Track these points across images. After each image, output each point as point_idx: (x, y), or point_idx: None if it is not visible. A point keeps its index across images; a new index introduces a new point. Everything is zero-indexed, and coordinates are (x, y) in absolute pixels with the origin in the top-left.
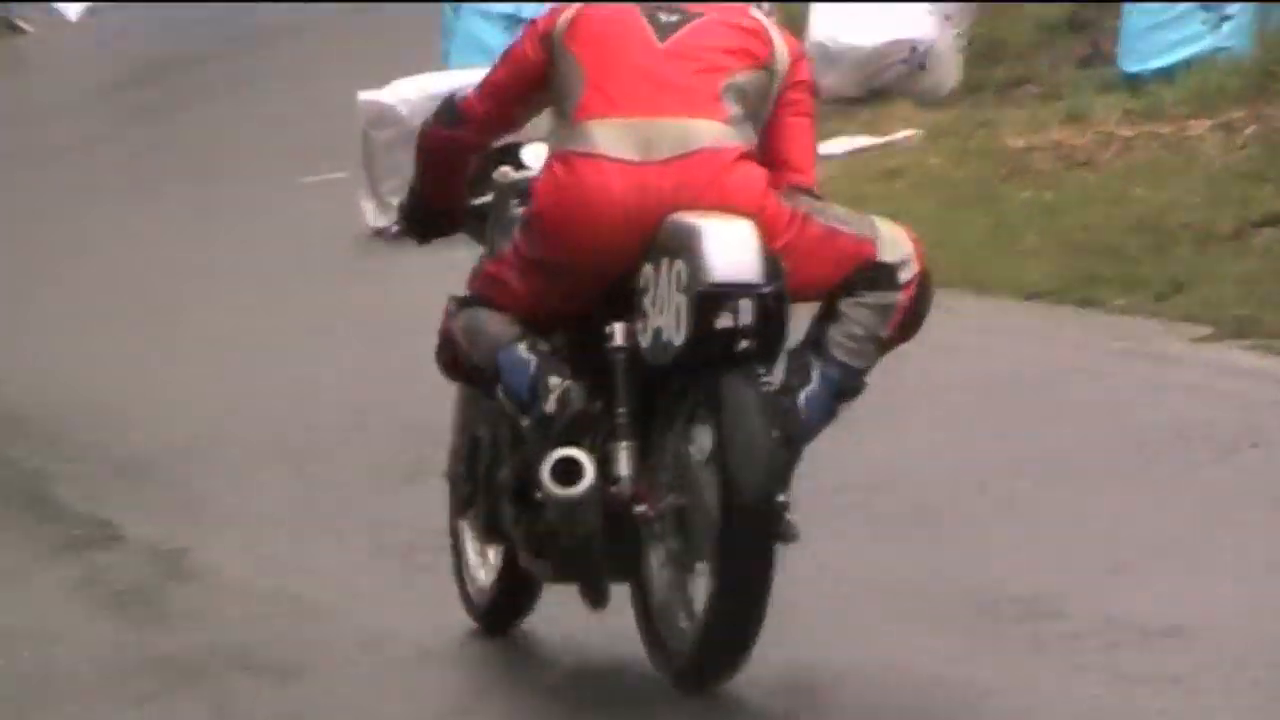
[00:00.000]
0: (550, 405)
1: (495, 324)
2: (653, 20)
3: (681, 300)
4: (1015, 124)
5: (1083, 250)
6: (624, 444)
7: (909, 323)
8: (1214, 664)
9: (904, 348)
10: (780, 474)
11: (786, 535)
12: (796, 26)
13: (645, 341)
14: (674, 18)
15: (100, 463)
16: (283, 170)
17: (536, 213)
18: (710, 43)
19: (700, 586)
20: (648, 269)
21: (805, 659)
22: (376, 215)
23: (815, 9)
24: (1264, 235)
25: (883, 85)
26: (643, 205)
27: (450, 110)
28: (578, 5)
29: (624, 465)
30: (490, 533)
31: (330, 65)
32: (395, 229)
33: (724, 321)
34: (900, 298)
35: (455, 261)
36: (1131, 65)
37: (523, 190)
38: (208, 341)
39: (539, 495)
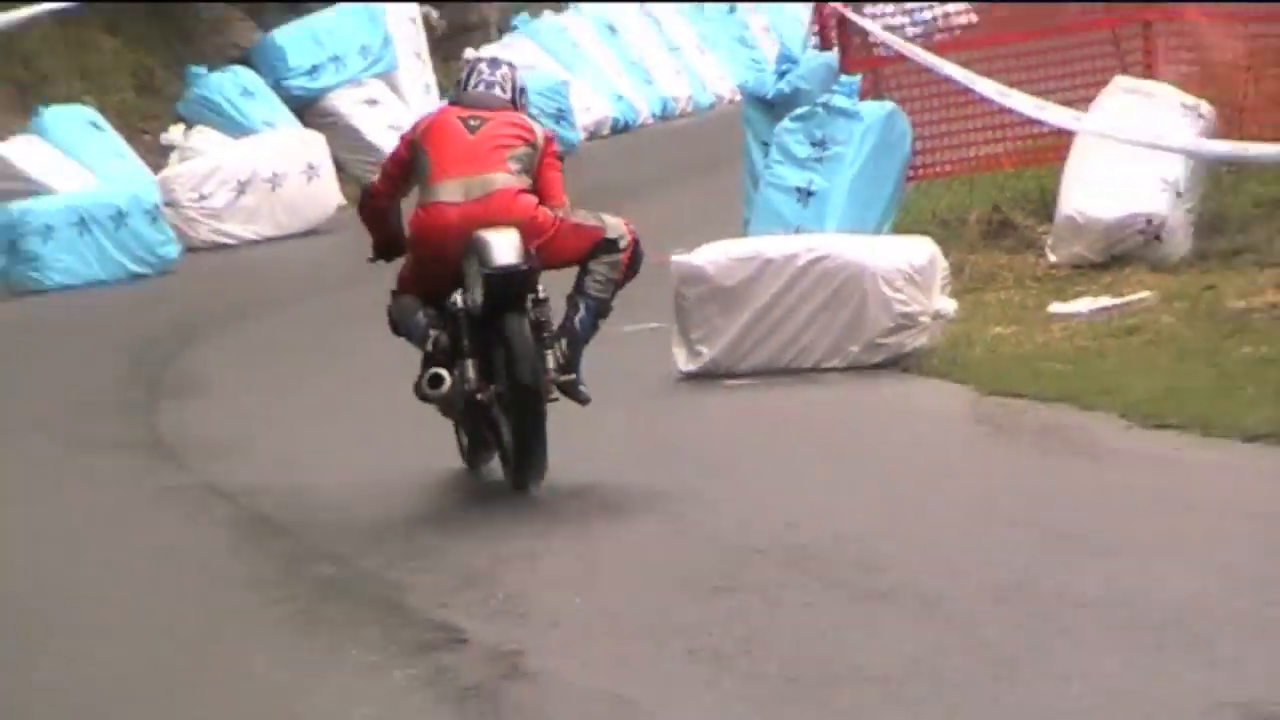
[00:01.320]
0: (429, 345)
1: (408, 302)
2: (465, 124)
3: (478, 279)
4: (1237, 288)
5: None
6: (469, 361)
7: (630, 270)
8: None
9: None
10: (542, 367)
11: (581, 398)
12: (1049, 200)
13: (470, 303)
14: (477, 121)
15: (444, 572)
16: (610, 319)
17: (410, 237)
18: (499, 132)
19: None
20: (465, 264)
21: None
22: (687, 360)
23: (1065, 186)
24: None
25: (1123, 252)
26: (465, 225)
27: (368, 192)
28: (425, 119)
29: (470, 372)
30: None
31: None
32: (371, 258)
33: (500, 288)
34: (621, 257)
35: (754, 401)
36: None
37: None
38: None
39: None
